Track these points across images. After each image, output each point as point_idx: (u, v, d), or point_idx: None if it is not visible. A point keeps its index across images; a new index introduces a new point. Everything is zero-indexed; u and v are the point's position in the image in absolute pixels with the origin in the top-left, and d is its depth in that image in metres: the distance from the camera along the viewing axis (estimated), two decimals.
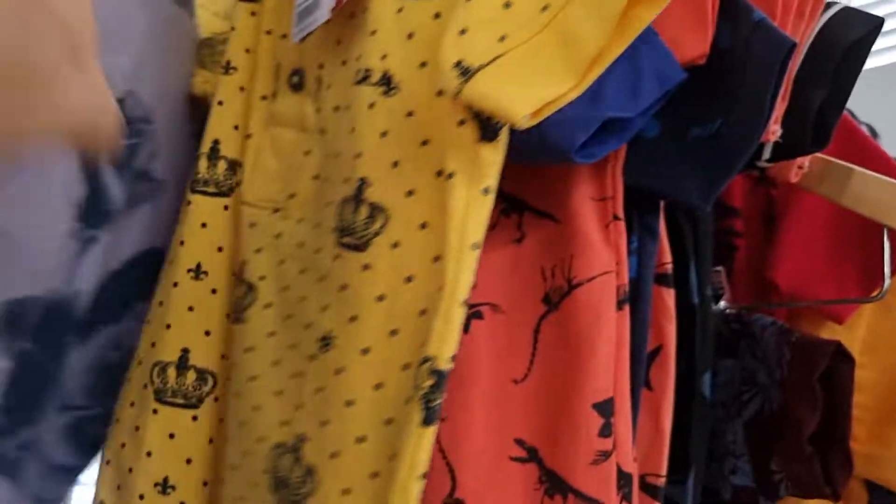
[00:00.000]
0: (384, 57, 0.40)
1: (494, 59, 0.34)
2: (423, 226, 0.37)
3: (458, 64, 0.34)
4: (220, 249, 0.47)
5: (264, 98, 0.48)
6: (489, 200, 0.35)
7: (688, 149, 0.42)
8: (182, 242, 0.47)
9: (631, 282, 0.44)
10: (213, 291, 0.47)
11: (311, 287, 0.41)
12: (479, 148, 0.35)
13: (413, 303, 0.36)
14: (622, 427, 0.41)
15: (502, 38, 0.35)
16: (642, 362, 0.45)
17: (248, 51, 0.50)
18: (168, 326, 0.46)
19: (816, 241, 0.61)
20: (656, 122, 0.43)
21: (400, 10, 0.40)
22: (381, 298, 0.37)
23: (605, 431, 0.39)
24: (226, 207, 0.48)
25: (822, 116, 0.51)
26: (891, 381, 0.61)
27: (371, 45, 0.40)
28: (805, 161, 0.56)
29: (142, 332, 0.49)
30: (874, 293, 0.57)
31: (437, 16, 0.39)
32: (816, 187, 0.56)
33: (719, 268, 0.60)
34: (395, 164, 0.38)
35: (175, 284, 0.47)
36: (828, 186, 0.55)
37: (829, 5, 0.50)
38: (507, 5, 0.35)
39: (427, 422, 0.33)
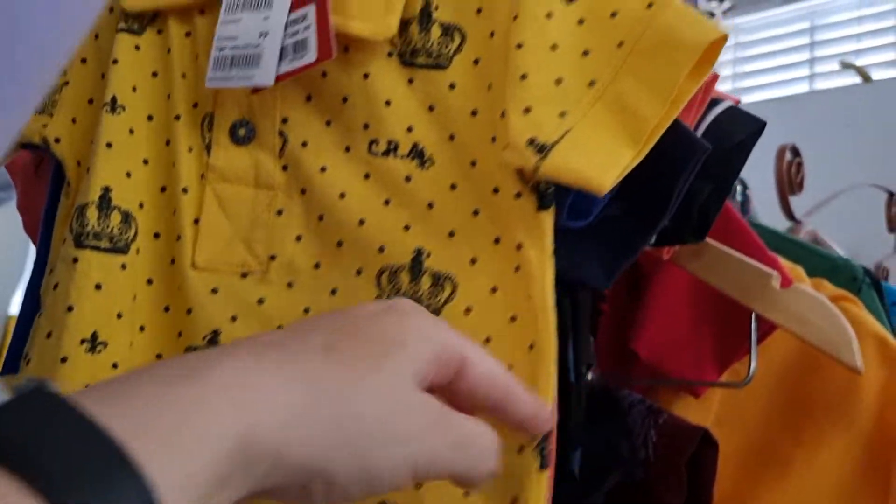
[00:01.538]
0: (410, 129, 0.40)
1: (564, 135, 0.36)
2: (494, 290, 0.39)
3: (531, 142, 0.36)
4: (119, 316, 0.41)
5: (191, 150, 0.44)
6: (553, 262, 0.38)
7: (592, 229, 0.42)
8: (70, 308, 0.40)
9: None
10: (115, 366, 0.41)
11: None
12: (541, 216, 0.37)
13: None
14: None
15: (563, 114, 0.37)
16: None
17: (134, 89, 0.45)
18: None
19: (678, 313, 0.62)
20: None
21: (411, 81, 0.41)
22: None
23: None
24: (123, 266, 0.42)
25: (703, 209, 0.52)
26: (739, 452, 0.63)
27: (389, 116, 0.40)
28: None
29: None
30: (726, 374, 0.58)
31: (452, 86, 0.40)
32: (688, 265, 0.57)
33: (591, 338, 0.60)
34: (452, 233, 0.40)
35: (63, 360, 0.40)
36: (699, 265, 0.57)
37: (714, 102, 0.51)
38: (558, 82, 0.37)
39: (543, 466, 0.36)
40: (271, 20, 0.40)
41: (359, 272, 0.41)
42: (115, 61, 0.45)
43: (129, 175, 0.43)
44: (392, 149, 0.40)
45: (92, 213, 0.42)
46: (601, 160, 0.36)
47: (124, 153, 0.44)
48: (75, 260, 0.42)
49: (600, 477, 0.59)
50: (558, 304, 0.51)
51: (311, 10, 0.39)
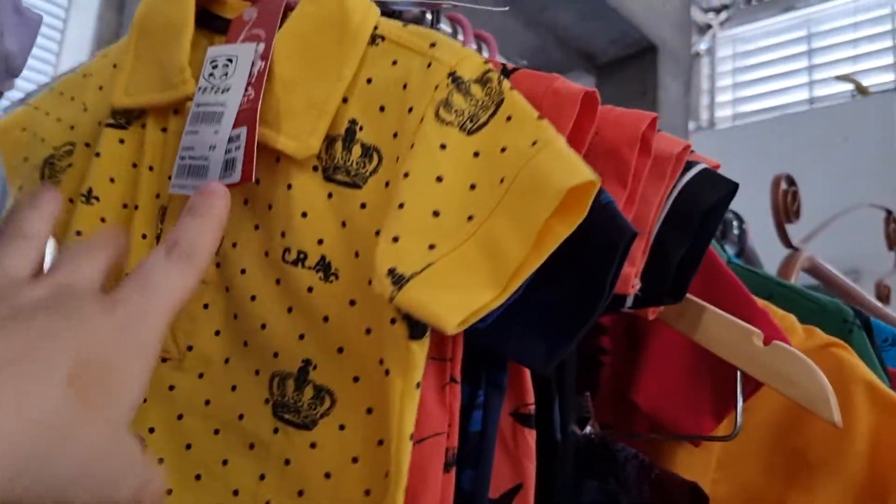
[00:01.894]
0: (321, 242, 0.41)
1: (425, 268, 0.36)
2: (369, 411, 0.39)
3: (391, 271, 0.37)
4: None
5: (144, 237, 0.46)
6: (418, 393, 0.38)
7: (531, 311, 0.42)
8: None
9: (473, 434, 0.46)
10: None
11: (234, 451, 0.42)
12: (410, 345, 0.37)
13: (359, 483, 0.39)
14: None
15: (431, 247, 0.37)
16: None
17: (112, 180, 0.47)
18: None
19: (674, 365, 0.64)
20: None
21: (330, 196, 0.42)
22: (327, 476, 0.40)
23: None
24: None
25: (680, 271, 0.53)
26: (743, 493, 0.65)
27: (304, 227, 0.42)
28: None
29: None
30: (725, 422, 0.60)
31: (363, 206, 0.41)
32: (674, 323, 0.59)
33: (587, 393, 0.62)
34: (340, 349, 0.40)
35: None
36: (684, 323, 0.59)
37: (687, 166, 0.53)
38: (435, 214, 0.38)
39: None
40: (219, 135, 0.42)
41: (257, 373, 0.42)
42: (97, 154, 0.48)
43: None
44: (301, 258, 0.41)
45: None
46: (455, 299, 0.36)
47: None
48: None
49: None
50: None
51: (243, 132, 0.41)
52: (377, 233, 0.39)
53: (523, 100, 0.40)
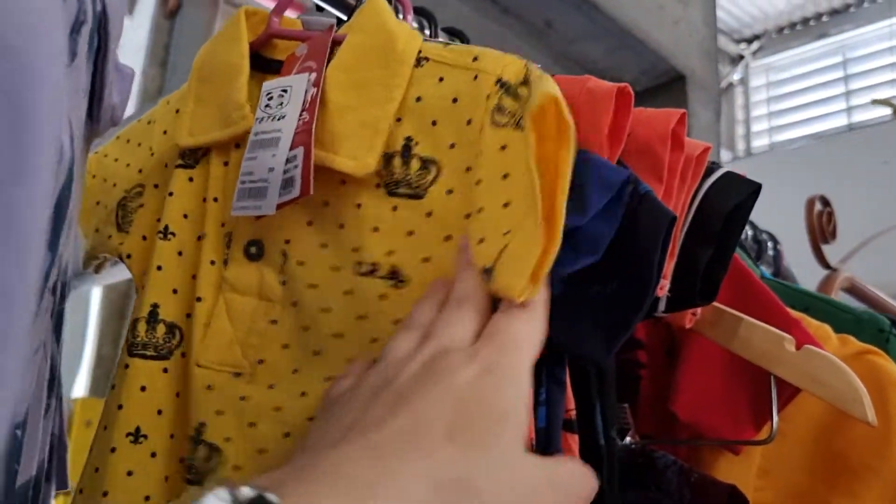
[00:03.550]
0: (391, 253, 0.45)
1: (501, 252, 0.39)
2: None
3: (484, 270, 0.39)
4: (159, 412, 0.48)
5: (213, 263, 0.50)
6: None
7: (588, 307, 0.45)
8: (120, 406, 0.48)
9: (540, 431, 0.47)
10: (153, 455, 0.47)
11: None
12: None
13: None
14: None
15: (506, 234, 0.39)
16: None
17: (185, 216, 0.51)
18: (105, 494, 0.46)
19: (712, 375, 0.65)
20: (560, 283, 0.46)
21: (395, 209, 0.45)
22: None
23: None
24: (164, 370, 0.49)
25: (709, 273, 0.56)
26: (786, 499, 0.66)
27: (375, 241, 0.45)
28: (697, 309, 0.61)
29: None
30: (764, 429, 0.62)
31: (429, 214, 0.44)
32: (708, 332, 0.61)
33: (625, 405, 0.64)
34: None
35: (113, 450, 0.47)
36: (718, 332, 0.60)
37: (710, 171, 0.55)
38: (505, 205, 0.40)
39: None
40: (277, 157, 0.46)
41: (327, 379, 0.45)
42: (170, 193, 0.51)
43: (175, 292, 0.50)
44: (373, 270, 0.45)
45: (142, 327, 0.49)
46: (518, 268, 0.38)
47: (172, 274, 0.50)
48: (126, 366, 0.49)
49: None
50: (583, 374, 0.55)
51: (300, 152, 0.45)
52: (447, 238, 0.43)
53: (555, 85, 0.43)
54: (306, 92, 0.46)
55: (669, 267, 0.55)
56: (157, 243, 0.51)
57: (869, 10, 3.05)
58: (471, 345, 0.35)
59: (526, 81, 0.43)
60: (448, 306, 0.38)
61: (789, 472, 0.66)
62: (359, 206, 0.46)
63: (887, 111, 2.44)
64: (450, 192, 0.44)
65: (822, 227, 1.16)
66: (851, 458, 0.64)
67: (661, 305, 0.56)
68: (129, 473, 0.47)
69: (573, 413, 0.51)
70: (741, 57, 3.41)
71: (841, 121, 2.94)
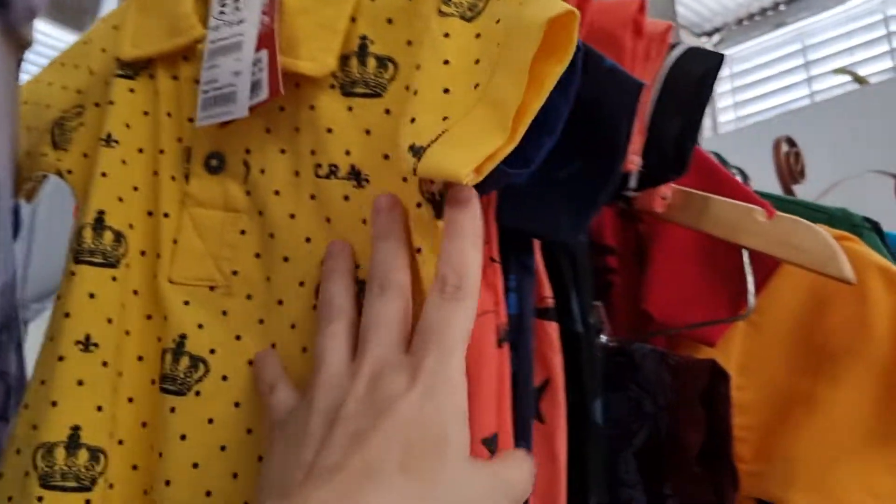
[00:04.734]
0: (348, 153, 0.44)
1: (440, 136, 0.38)
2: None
3: (411, 147, 0.38)
4: (109, 321, 0.46)
5: (173, 179, 0.49)
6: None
7: (555, 189, 0.45)
8: (67, 314, 0.45)
9: (512, 318, 0.46)
10: (105, 364, 0.45)
11: (291, 360, 0.44)
12: (437, 224, 0.39)
13: None
14: None
15: (445, 119, 0.39)
16: (530, 395, 0.46)
17: (127, 126, 0.50)
18: (54, 404, 0.44)
19: (684, 271, 0.64)
20: (525, 170, 0.45)
21: (350, 109, 0.45)
22: None
23: None
24: (113, 279, 0.47)
25: (679, 146, 0.54)
26: (768, 398, 0.64)
27: (331, 142, 0.44)
28: (668, 192, 0.60)
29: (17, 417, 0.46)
30: (756, 325, 0.60)
31: (387, 111, 0.44)
32: (678, 217, 0.60)
33: (598, 303, 0.62)
34: None
35: (60, 358, 0.44)
36: (688, 215, 0.59)
37: (673, 46, 0.54)
38: (446, 91, 0.40)
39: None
40: (242, 61, 0.45)
41: (301, 284, 0.45)
42: (111, 102, 0.50)
43: (120, 200, 0.49)
44: (333, 171, 0.44)
45: (87, 234, 0.47)
46: (467, 152, 0.37)
47: (117, 181, 0.49)
48: (73, 273, 0.47)
49: (628, 437, 0.60)
50: (557, 264, 0.54)
51: (264, 55, 0.45)
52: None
53: None
54: None
55: (639, 142, 0.54)
56: (101, 150, 0.49)
57: None
58: (404, 348, 0.36)
59: None
60: (369, 291, 0.38)
61: (769, 367, 0.64)
62: (312, 107, 0.45)
63: (848, 78, 2.48)
64: (407, 88, 0.43)
65: (790, 167, 1.15)
66: (831, 345, 0.62)
67: (633, 182, 0.55)
68: (80, 383, 0.44)
69: (551, 301, 0.50)
70: None
71: (804, 103, 2.99)
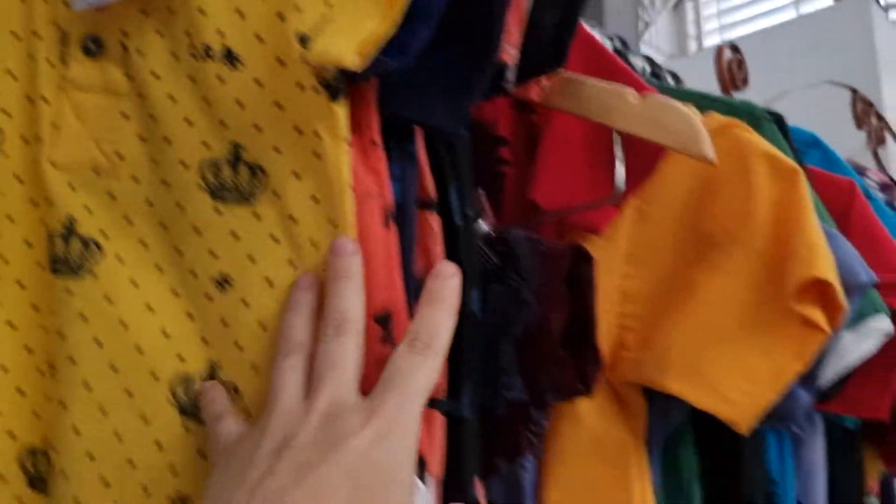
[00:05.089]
0: (221, 34, 0.44)
1: (324, 23, 0.39)
2: (296, 175, 0.43)
3: (298, 35, 0.40)
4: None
5: (50, 63, 0.48)
6: (349, 150, 0.42)
7: (432, 75, 0.45)
8: None
9: (399, 207, 0.46)
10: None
11: (183, 240, 0.45)
12: (332, 107, 0.41)
13: (302, 236, 0.42)
14: (399, 337, 0.43)
15: (327, 4, 0.40)
16: (412, 279, 0.47)
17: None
18: None
19: (570, 158, 0.63)
20: (407, 55, 0.44)
21: None
22: (273, 238, 0.43)
23: (387, 339, 0.42)
24: None
25: (557, 37, 0.53)
26: (655, 287, 0.63)
27: (204, 23, 0.44)
28: (546, 81, 0.58)
29: None
30: (645, 215, 0.60)
31: None
32: (557, 102, 0.58)
33: (480, 190, 0.61)
34: (258, 127, 0.43)
35: None
36: (565, 99, 0.58)
37: None
38: None
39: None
40: None
41: (183, 164, 0.45)
42: None
43: None
44: (208, 52, 0.44)
45: None
46: (350, 37, 0.38)
47: None
48: None
49: (507, 325, 0.60)
50: (435, 152, 0.53)
51: None
52: (279, 15, 0.42)
53: None
54: None
55: (516, 34, 0.52)
56: None
57: None
58: (357, 388, 0.37)
59: None
60: (325, 331, 0.39)
61: (656, 255, 0.63)
62: None
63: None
64: None
65: (732, 74, 1.13)
66: (715, 232, 0.61)
67: (511, 75, 0.54)
68: None
69: (432, 192, 0.50)
70: None
71: (790, 15, 2.96)
